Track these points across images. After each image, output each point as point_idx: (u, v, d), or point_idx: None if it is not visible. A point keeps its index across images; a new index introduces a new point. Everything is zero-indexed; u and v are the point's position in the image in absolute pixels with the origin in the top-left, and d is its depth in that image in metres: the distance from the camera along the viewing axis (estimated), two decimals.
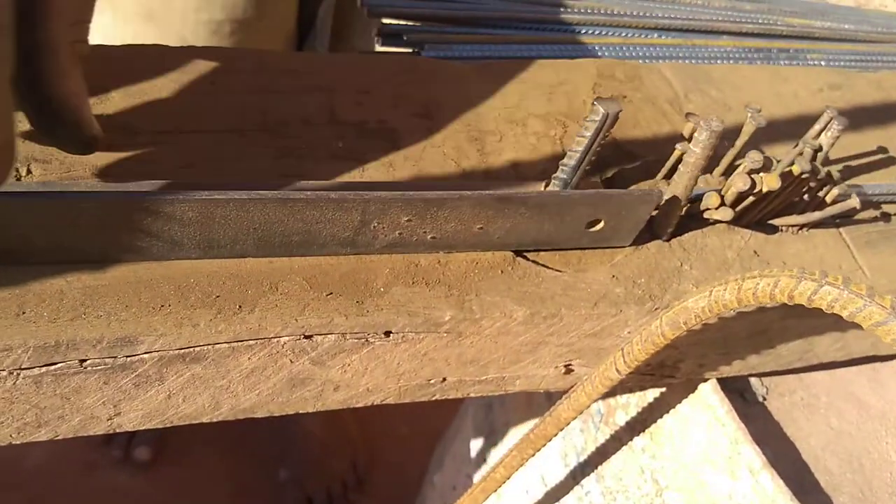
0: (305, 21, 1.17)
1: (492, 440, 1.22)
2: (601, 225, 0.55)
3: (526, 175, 0.61)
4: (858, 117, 0.76)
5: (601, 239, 0.57)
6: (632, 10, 0.88)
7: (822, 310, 0.42)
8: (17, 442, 0.50)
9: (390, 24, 0.78)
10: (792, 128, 0.73)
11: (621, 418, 0.83)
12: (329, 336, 0.50)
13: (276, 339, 0.49)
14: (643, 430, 0.80)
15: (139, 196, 0.44)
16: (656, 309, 0.57)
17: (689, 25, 0.91)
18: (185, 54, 0.59)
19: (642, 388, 0.77)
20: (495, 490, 0.76)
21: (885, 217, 0.68)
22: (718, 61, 0.84)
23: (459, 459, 1.40)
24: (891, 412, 0.77)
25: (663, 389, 0.75)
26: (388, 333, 0.51)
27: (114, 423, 0.52)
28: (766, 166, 0.56)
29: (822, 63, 0.85)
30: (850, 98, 0.78)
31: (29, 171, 0.50)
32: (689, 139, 0.61)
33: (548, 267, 0.56)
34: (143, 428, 0.53)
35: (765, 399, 0.74)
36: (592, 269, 0.57)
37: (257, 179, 0.54)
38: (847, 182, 0.67)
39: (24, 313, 0.44)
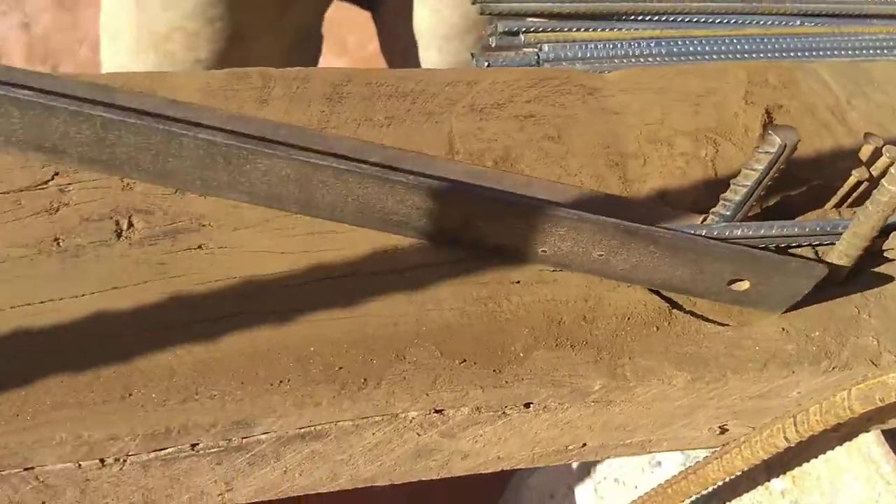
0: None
1: None
2: (746, 286, 0.48)
3: (676, 206, 0.54)
4: None
5: (746, 301, 0.49)
6: None
7: None
8: None
9: (505, 22, 0.71)
10: None
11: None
12: (462, 409, 0.44)
13: (403, 415, 0.43)
14: (783, 472, 0.72)
15: (236, 144, 0.41)
16: (833, 368, 0.49)
17: (834, 10, 0.80)
18: (291, 79, 0.53)
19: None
20: None
21: None
22: (873, 53, 0.74)
23: (560, 466, 1.34)
24: None
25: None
26: (528, 405, 0.45)
27: (225, 499, 0.47)
28: None
29: None
30: None
31: (131, 224, 0.45)
32: (868, 163, 0.52)
33: (708, 319, 0.49)
34: (256, 500, 0.49)
35: None
36: (759, 320, 0.50)
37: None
38: None
39: (130, 395, 0.40)
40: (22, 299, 0.41)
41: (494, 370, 0.44)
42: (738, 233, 0.48)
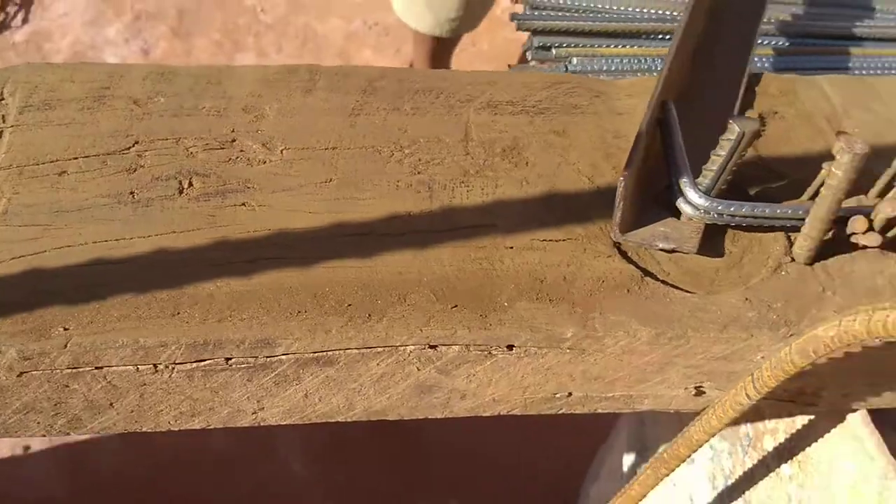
0: None
1: (644, 456, 1.20)
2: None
3: None
4: None
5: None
6: (787, 17, 0.84)
7: None
8: (175, 428, 0.56)
9: (540, 38, 0.80)
10: None
11: (769, 444, 0.80)
12: (453, 347, 0.52)
13: (402, 348, 0.52)
14: (791, 458, 0.77)
15: None
16: (791, 335, 0.54)
17: (851, 33, 0.86)
18: (333, 74, 0.63)
19: (789, 415, 0.74)
20: None
21: None
22: (886, 72, 0.79)
23: (614, 473, 1.38)
24: None
25: (812, 417, 0.72)
26: (510, 347, 0.53)
27: (258, 417, 0.56)
28: None
29: None
30: None
31: (191, 184, 0.55)
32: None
33: (678, 288, 0.56)
34: (285, 423, 0.58)
35: None
36: (726, 291, 0.56)
37: (393, 194, 0.57)
38: None
39: (178, 314, 0.49)
40: (101, 237, 0.52)
41: (481, 315, 0.52)
42: (718, 207, 0.55)
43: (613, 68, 0.76)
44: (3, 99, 0.58)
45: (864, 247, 0.58)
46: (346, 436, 2.04)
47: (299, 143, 0.58)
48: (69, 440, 2.05)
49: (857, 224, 0.55)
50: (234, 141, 0.58)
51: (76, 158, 0.55)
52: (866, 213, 0.56)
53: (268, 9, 2.50)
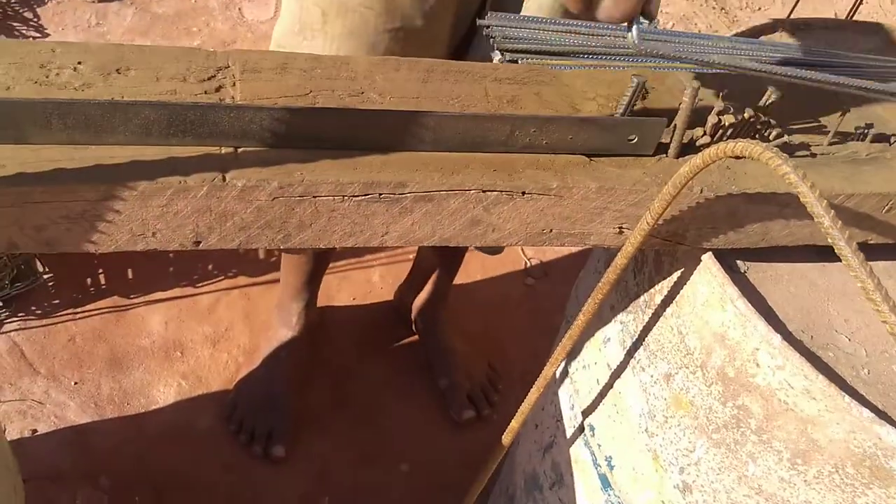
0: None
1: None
2: (636, 139, 1.03)
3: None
4: (806, 106, 1.23)
5: (634, 148, 1.04)
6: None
7: (755, 158, 0.88)
8: (338, 245, 0.99)
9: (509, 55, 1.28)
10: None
11: (658, 299, 1.28)
12: (493, 192, 0.98)
13: (468, 191, 0.97)
14: (671, 302, 1.24)
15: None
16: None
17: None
18: (412, 61, 1.09)
19: (666, 251, 1.23)
20: (577, 336, 1.22)
21: (813, 155, 1.14)
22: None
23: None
24: (832, 288, 1.21)
25: (682, 269, 1.21)
26: (524, 193, 0.99)
27: (384, 239, 1.00)
28: (726, 111, 1.03)
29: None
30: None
31: None
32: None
33: (608, 167, 1.04)
34: (396, 245, 1.02)
35: (745, 272, 1.19)
36: (632, 168, 1.05)
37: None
38: (784, 130, 1.13)
39: (356, 168, 0.94)
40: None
41: (509, 175, 0.98)
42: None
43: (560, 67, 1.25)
44: (228, 66, 1.02)
45: (701, 146, 1.08)
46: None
47: (397, 95, 1.05)
48: (72, 425, 2.39)
49: (697, 132, 1.05)
50: (363, 93, 1.03)
51: (281, 97, 1.00)
52: (702, 126, 1.06)
53: None
